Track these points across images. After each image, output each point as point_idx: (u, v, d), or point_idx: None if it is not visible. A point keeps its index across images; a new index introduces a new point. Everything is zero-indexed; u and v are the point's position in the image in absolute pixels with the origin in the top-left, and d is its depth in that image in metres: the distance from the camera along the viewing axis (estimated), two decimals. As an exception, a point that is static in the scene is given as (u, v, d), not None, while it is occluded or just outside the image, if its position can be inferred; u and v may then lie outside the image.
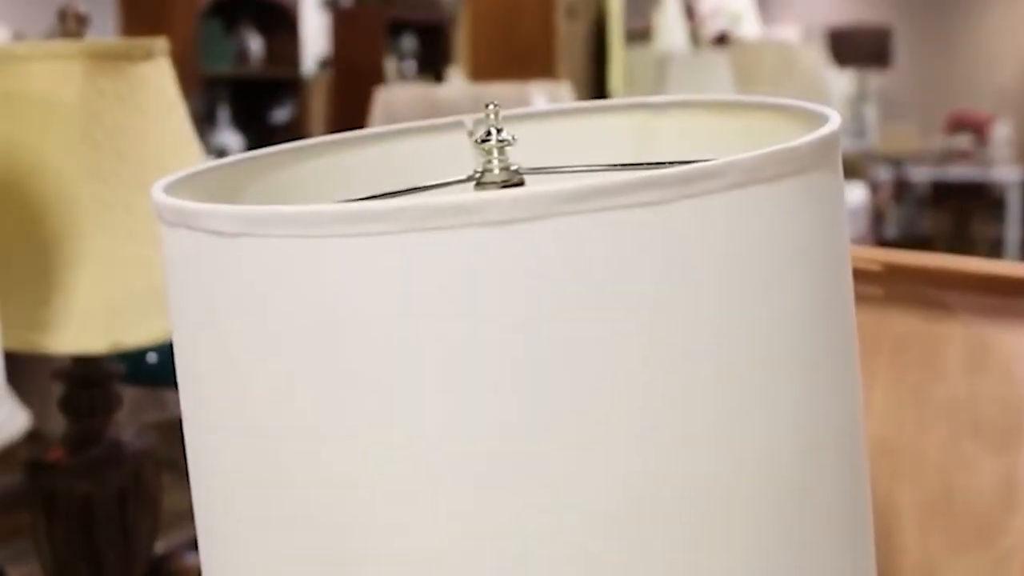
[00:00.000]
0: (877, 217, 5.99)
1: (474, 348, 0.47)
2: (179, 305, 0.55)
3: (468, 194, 0.49)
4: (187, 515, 1.31)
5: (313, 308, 0.48)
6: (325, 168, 0.67)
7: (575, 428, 0.47)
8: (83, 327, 0.97)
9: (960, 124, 6.62)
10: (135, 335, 0.98)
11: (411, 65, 5.15)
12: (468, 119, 0.69)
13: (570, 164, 0.67)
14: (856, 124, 6.36)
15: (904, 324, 0.83)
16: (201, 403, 0.54)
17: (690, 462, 0.49)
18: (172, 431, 1.13)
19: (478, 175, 0.60)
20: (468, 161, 0.68)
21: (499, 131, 0.59)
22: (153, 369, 1.33)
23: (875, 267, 0.83)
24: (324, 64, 5.25)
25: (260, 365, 0.50)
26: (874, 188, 5.97)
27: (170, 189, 0.56)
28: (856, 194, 5.03)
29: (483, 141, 0.59)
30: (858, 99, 6.51)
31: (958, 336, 0.81)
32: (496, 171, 0.59)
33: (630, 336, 0.47)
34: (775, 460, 0.52)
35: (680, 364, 0.48)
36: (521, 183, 0.60)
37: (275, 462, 0.51)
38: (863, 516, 0.59)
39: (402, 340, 0.47)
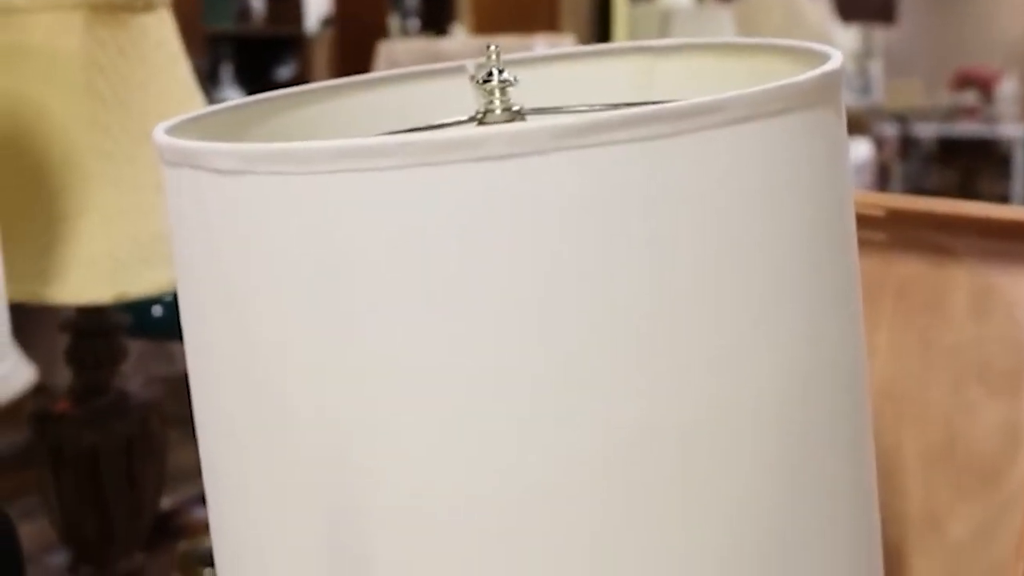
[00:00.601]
0: (882, 173, 5.97)
1: (475, 283, 0.47)
2: (182, 246, 0.55)
3: (469, 129, 0.49)
4: (195, 471, 1.31)
5: (316, 245, 0.48)
6: (327, 112, 0.67)
7: (575, 364, 0.48)
8: (88, 277, 0.98)
9: (966, 80, 6.58)
10: (140, 285, 0.98)
11: (414, 22, 5.13)
12: (470, 63, 0.69)
13: (572, 105, 0.67)
14: (861, 80, 6.33)
15: (908, 269, 0.83)
16: (205, 344, 0.55)
17: (689, 400, 0.49)
18: (179, 385, 1.13)
19: (480, 115, 0.59)
20: (471, 105, 0.68)
21: (500, 72, 0.59)
22: (159, 322, 1.33)
23: (878, 212, 0.82)
24: (327, 22, 5.22)
25: (263, 303, 0.50)
26: (879, 144, 5.94)
27: (172, 132, 0.56)
28: (861, 150, 5.01)
29: (485, 82, 0.59)
30: (863, 55, 6.48)
31: (962, 281, 0.81)
32: (498, 111, 0.59)
33: (629, 271, 0.47)
34: (775, 400, 0.52)
35: (678, 300, 0.48)
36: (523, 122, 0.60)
37: (279, 402, 0.51)
38: (866, 460, 0.59)
39: (404, 276, 0.47)
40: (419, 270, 0.47)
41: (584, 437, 0.48)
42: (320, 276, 0.48)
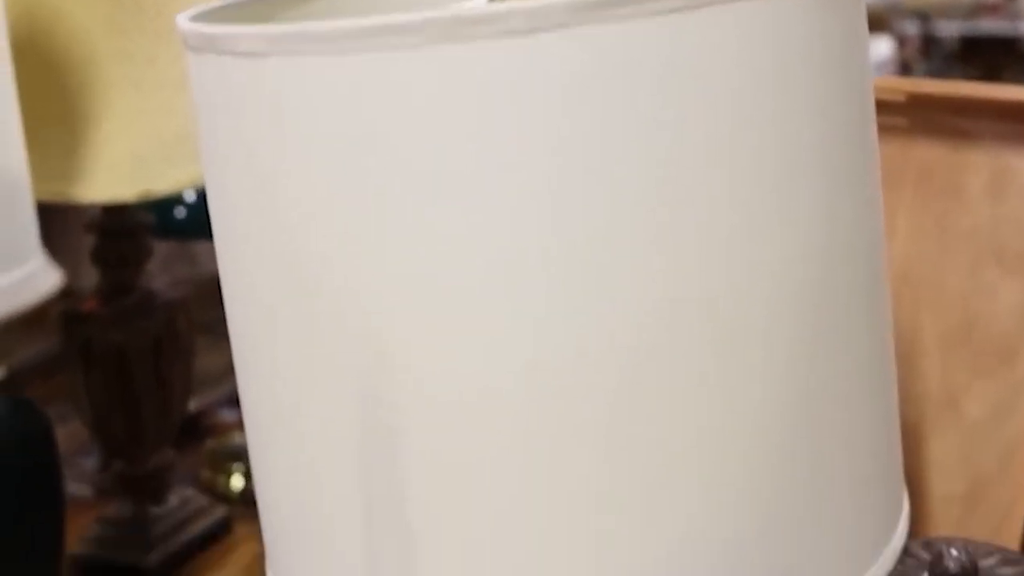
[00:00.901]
0: (904, 71, 5.91)
1: (499, 160, 0.47)
2: (208, 133, 0.55)
3: (491, 5, 0.49)
4: (221, 376, 1.32)
5: (341, 124, 0.48)
6: (346, 2, 0.67)
7: (595, 244, 0.48)
8: (112, 176, 0.99)
9: (988, -24, 6.48)
10: (164, 182, 0.99)
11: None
12: (489, -50, 0.69)
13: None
14: (882, -23, 6.24)
15: (927, 153, 0.83)
16: (233, 228, 0.55)
17: (707, 277, 0.50)
18: (203, 288, 1.14)
19: None
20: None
21: None
22: (182, 224, 1.34)
23: (899, 97, 0.83)
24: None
25: (290, 184, 0.51)
26: (901, 42, 5.87)
27: (195, 20, 0.57)
28: (882, 48, 4.96)
29: None
30: (884, -48, 6.38)
31: (981, 164, 0.82)
32: None
33: (648, 148, 0.48)
34: (792, 278, 0.53)
35: (691, 178, 0.49)
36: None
37: (307, 282, 0.52)
38: (884, 340, 0.60)
39: (429, 155, 0.48)
40: (444, 147, 0.47)
41: (602, 320, 0.49)
42: (346, 155, 0.49)
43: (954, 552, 0.57)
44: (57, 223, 1.03)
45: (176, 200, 1.32)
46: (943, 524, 0.81)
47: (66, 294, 0.98)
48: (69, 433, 1.23)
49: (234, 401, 1.36)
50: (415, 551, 0.53)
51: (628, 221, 0.48)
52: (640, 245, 0.49)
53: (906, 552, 0.61)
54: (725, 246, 0.50)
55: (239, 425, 1.28)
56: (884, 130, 0.63)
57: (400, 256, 0.49)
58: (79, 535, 1.14)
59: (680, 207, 0.49)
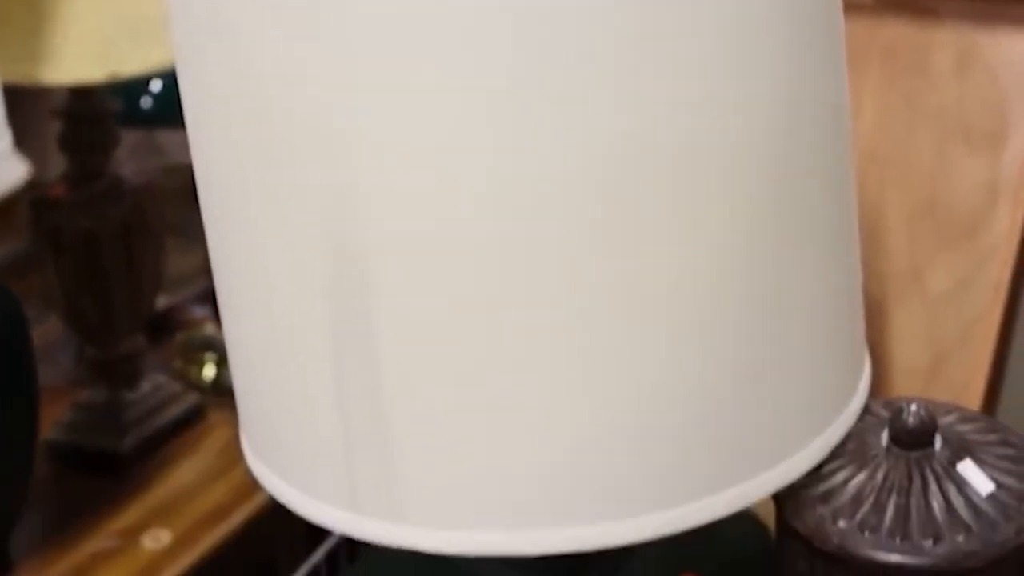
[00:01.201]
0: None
1: (465, 8, 0.48)
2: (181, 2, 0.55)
3: None
4: (192, 277, 1.31)
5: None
6: None
7: (564, 89, 0.49)
8: (79, 57, 0.97)
9: None
10: (132, 63, 0.98)
11: None
12: None
13: None
14: None
15: (894, 31, 0.84)
16: (205, 90, 0.56)
17: (672, 126, 0.51)
18: (175, 190, 1.13)
19: None
20: None
21: None
22: (149, 113, 1.33)
23: (866, -25, 0.83)
24: None
25: (262, 40, 0.51)
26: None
27: None
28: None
29: None
30: None
31: (947, 42, 0.82)
32: None
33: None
34: (754, 140, 0.53)
35: (660, 25, 0.50)
36: None
37: (279, 138, 0.53)
38: (847, 208, 0.61)
39: (400, 6, 0.48)
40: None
41: (559, 162, 0.50)
42: (317, 8, 0.49)
43: (913, 408, 0.58)
44: (24, 111, 1.02)
45: (142, 89, 1.31)
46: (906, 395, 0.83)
47: (34, 185, 0.98)
48: (43, 332, 1.23)
49: (205, 298, 1.35)
50: (388, 407, 0.54)
51: (582, 70, 0.49)
52: (601, 91, 0.49)
53: (867, 411, 0.62)
54: (692, 93, 0.51)
55: (211, 319, 1.28)
56: (850, 8, 0.63)
57: (370, 109, 0.50)
58: (53, 421, 1.14)
59: (643, 60, 0.50)
